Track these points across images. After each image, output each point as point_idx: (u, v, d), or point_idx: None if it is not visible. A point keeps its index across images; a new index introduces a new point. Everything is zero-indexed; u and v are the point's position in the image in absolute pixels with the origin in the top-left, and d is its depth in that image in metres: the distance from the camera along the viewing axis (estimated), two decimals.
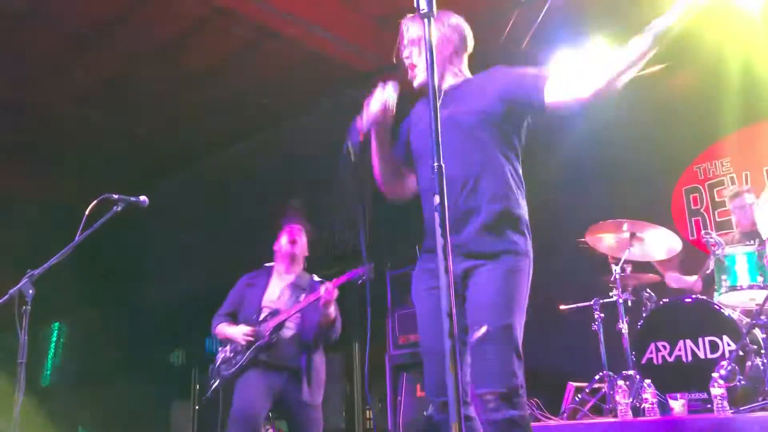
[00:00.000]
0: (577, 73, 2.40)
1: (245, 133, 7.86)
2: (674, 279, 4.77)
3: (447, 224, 1.98)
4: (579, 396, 4.44)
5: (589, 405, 4.38)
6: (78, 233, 3.07)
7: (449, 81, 2.62)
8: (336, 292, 3.88)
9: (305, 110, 7.24)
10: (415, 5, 2.05)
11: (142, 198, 3.38)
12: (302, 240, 4.32)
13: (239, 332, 4.00)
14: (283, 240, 4.29)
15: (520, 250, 2.36)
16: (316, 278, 4.18)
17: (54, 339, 9.63)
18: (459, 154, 2.38)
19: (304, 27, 5.96)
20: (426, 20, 2.05)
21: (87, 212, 3.11)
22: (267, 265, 4.35)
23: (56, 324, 9.71)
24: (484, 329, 2.22)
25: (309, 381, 3.91)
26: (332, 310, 3.93)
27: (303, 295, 4.02)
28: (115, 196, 3.29)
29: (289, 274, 4.24)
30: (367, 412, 7.78)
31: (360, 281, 3.79)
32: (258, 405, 3.81)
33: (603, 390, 4.41)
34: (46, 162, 8.23)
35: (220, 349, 4.17)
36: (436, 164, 2.02)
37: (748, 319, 3.96)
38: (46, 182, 8.63)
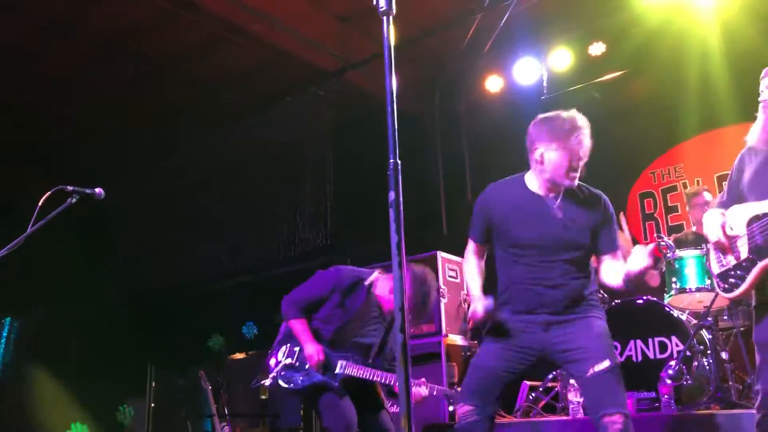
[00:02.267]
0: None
1: (207, 128, 7.78)
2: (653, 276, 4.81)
3: (401, 222, 2.01)
4: (533, 394, 4.52)
5: (542, 403, 4.46)
6: (30, 225, 3.01)
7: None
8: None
9: (268, 107, 7.21)
10: (375, 3, 2.07)
11: (98, 190, 3.31)
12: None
13: (314, 351, 3.54)
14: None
15: None
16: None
17: (5, 334, 9.40)
18: None
19: (269, 24, 5.94)
20: (385, 18, 2.07)
21: (39, 204, 3.05)
22: (365, 281, 3.74)
23: (8, 319, 9.48)
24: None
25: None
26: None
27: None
28: (70, 188, 3.22)
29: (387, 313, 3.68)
30: None
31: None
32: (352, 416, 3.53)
33: (556, 389, 4.49)
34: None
35: (284, 343, 3.71)
36: (392, 161, 2.05)
37: (696, 321, 4.08)
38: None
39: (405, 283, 1.95)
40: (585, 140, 2.78)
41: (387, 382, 3.56)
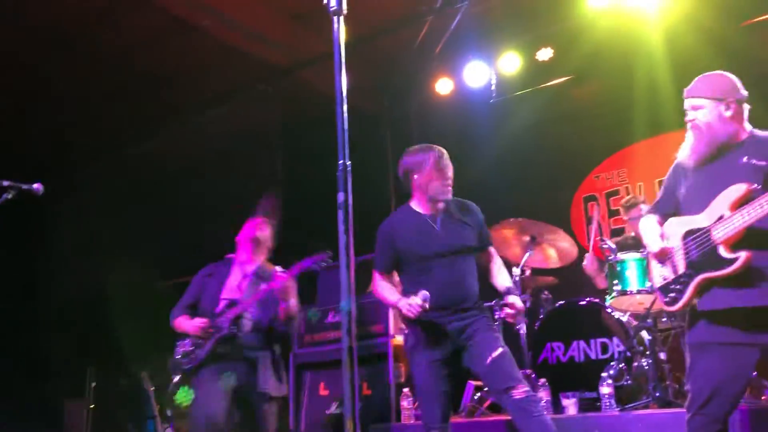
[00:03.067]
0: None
1: (152, 125, 7.62)
2: (591, 262, 4.90)
3: (350, 223, 2.00)
4: (478, 394, 4.56)
5: (487, 403, 4.51)
6: None
7: None
8: (292, 282, 3.73)
9: (215, 104, 7.09)
10: (325, 2, 2.06)
11: (36, 186, 3.21)
12: (266, 230, 4.15)
13: (197, 325, 3.82)
14: (246, 229, 4.14)
15: None
16: (279, 269, 3.97)
17: None
18: None
19: (218, 19, 5.84)
20: (335, 18, 2.06)
21: None
22: (229, 256, 4.17)
23: None
24: None
25: (277, 372, 3.81)
26: (291, 301, 3.78)
27: (263, 285, 3.85)
28: (6, 183, 3.11)
29: (250, 264, 4.04)
30: None
31: (320, 267, 3.70)
32: (218, 408, 3.65)
33: None
34: None
35: (178, 342, 3.97)
36: (342, 162, 2.04)
37: (636, 322, 4.19)
38: None
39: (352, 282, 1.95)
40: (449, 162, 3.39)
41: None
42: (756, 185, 2.43)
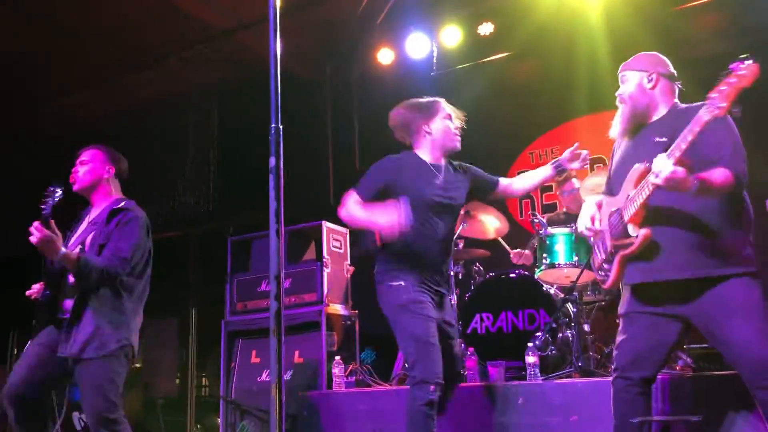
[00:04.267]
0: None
1: (87, 82, 7.31)
2: (517, 255, 5.03)
3: (281, 189, 1.98)
4: (407, 363, 4.62)
5: None
6: None
7: None
8: (42, 229, 3.01)
9: (151, 62, 6.85)
10: None
11: None
12: (87, 166, 3.47)
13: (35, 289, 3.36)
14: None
15: None
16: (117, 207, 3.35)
17: None
18: None
19: None
20: None
21: None
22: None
23: None
24: None
25: (70, 331, 3.14)
26: (53, 249, 3.03)
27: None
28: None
29: (96, 208, 3.45)
30: (202, 379, 7.67)
31: (51, 206, 3.12)
32: (24, 377, 3.12)
33: None
34: None
35: None
36: (274, 126, 2.01)
37: (563, 295, 4.32)
38: None
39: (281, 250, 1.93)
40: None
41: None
42: (647, 164, 2.46)
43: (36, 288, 3.35)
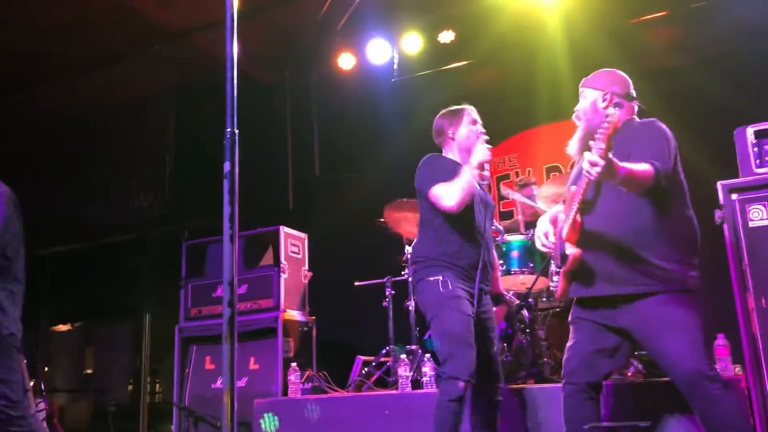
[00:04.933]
0: None
1: (39, 82, 7.13)
2: None
3: (236, 193, 1.96)
4: (366, 369, 4.62)
5: (374, 377, 4.57)
6: None
7: None
8: None
9: (107, 63, 6.71)
10: None
11: None
12: None
13: None
14: None
15: None
16: None
17: None
18: None
19: None
20: None
21: None
22: None
23: None
24: None
25: None
26: None
27: None
28: None
29: None
30: (156, 385, 7.52)
31: None
32: None
33: (388, 363, 4.62)
34: None
35: None
36: (229, 130, 1.99)
37: (518, 301, 4.36)
38: None
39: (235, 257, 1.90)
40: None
41: None
42: (573, 186, 2.61)
43: None
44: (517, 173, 6.01)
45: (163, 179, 6.88)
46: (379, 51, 6.33)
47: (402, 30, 6.26)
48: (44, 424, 5.25)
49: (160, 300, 7.06)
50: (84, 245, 7.60)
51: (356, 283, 5.06)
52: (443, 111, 3.52)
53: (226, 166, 1.95)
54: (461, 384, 2.91)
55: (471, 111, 3.45)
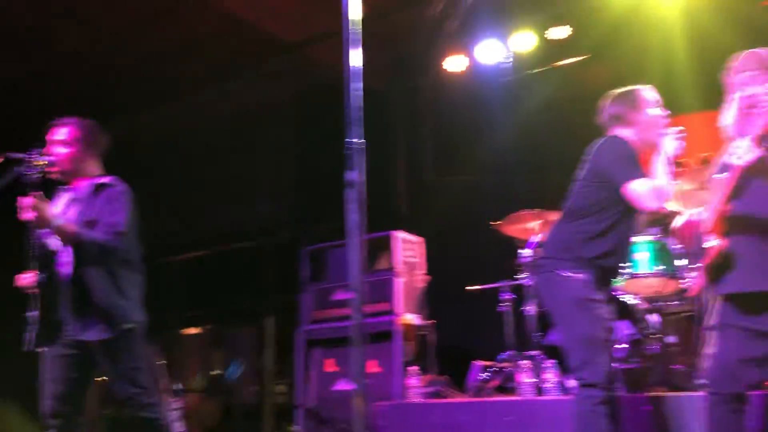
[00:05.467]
0: None
1: (162, 99, 7.58)
2: None
3: (363, 201, 1.99)
4: (484, 374, 4.56)
5: (493, 383, 4.51)
6: None
7: None
8: (33, 199, 2.90)
9: (227, 78, 7.04)
10: None
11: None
12: (66, 147, 3.22)
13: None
14: None
15: None
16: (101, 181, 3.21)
17: None
18: None
19: None
20: None
21: None
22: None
23: None
24: None
25: (77, 314, 3.02)
26: (48, 218, 2.94)
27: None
28: (19, 155, 3.10)
29: (76, 187, 3.26)
30: (279, 387, 7.78)
31: (37, 168, 2.98)
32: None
33: (507, 369, 4.55)
34: None
35: None
36: (353, 140, 2.02)
37: (646, 305, 4.17)
38: None
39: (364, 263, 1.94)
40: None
41: None
42: (719, 174, 2.44)
43: (28, 275, 3.08)
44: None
45: (283, 188, 7.12)
46: (490, 51, 6.26)
47: (514, 28, 6.16)
48: (179, 422, 5.55)
49: (282, 304, 7.30)
50: (210, 252, 7.99)
51: (471, 288, 5.01)
52: (618, 93, 3.22)
53: (351, 175, 1.98)
54: (600, 392, 2.78)
55: (652, 92, 3.19)
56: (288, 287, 6.16)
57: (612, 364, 2.83)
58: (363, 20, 2.15)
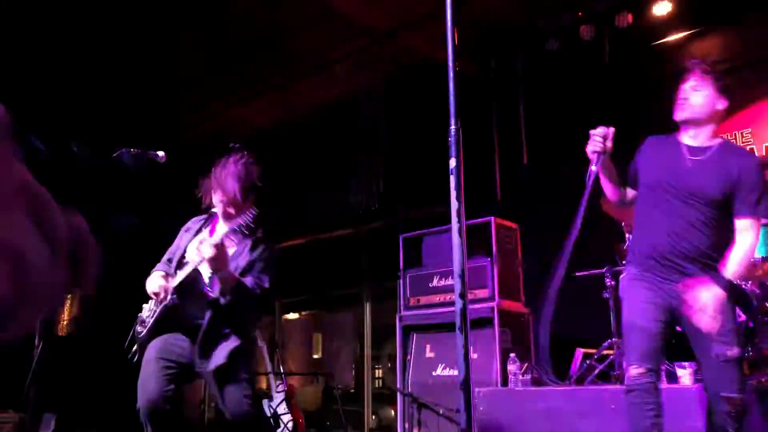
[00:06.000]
0: None
1: (256, 89, 7.79)
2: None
3: (462, 189, 2.00)
4: (587, 362, 4.48)
5: (596, 371, 4.43)
6: None
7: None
8: (221, 248, 3.02)
9: (319, 66, 7.15)
10: None
11: (161, 153, 3.38)
12: (229, 181, 3.30)
13: (151, 285, 3.25)
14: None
15: None
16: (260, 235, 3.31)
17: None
18: None
19: None
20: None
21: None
22: (214, 210, 3.48)
23: None
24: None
25: (203, 344, 3.11)
26: (221, 271, 3.06)
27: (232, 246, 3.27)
28: (134, 150, 3.28)
29: (227, 220, 3.29)
30: (377, 371, 7.93)
31: (239, 229, 3.05)
32: (159, 392, 3.08)
33: (611, 357, 4.45)
34: None
35: (144, 305, 3.46)
36: (453, 127, 2.04)
37: (760, 292, 3.97)
38: None
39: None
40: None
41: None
42: None
43: (164, 289, 3.20)
44: (753, 150, 5.44)
45: (377, 175, 7.20)
46: (586, 32, 6.08)
47: (611, 7, 5.95)
48: (284, 403, 5.78)
49: (380, 290, 7.42)
50: (309, 239, 8.21)
51: (576, 274, 4.92)
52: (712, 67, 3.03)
53: (452, 162, 2.00)
54: (631, 373, 2.77)
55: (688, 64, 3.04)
56: (385, 274, 6.25)
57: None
58: (455, 3, 2.14)
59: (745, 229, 2.83)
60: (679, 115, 2.99)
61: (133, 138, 3.69)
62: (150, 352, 3.16)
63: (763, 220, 3.97)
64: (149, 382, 3.06)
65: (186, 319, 3.17)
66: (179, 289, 3.17)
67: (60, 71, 7.02)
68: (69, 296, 9.64)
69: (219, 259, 2.99)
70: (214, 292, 3.14)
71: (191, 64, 7.27)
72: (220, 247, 2.99)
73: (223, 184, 3.25)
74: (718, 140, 2.99)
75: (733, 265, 2.76)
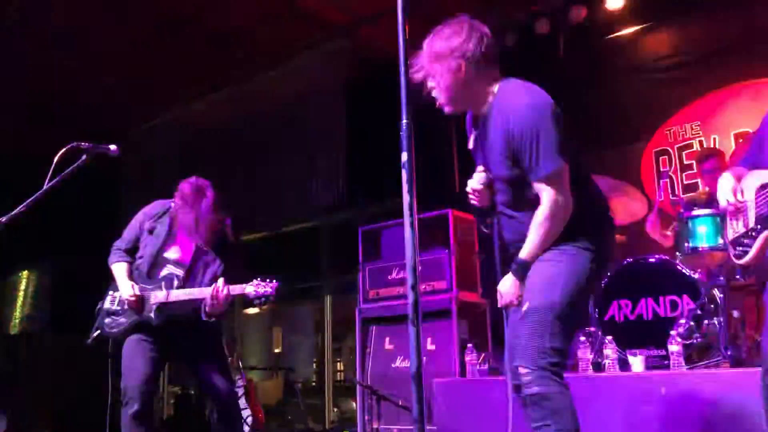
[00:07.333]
0: None
1: (213, 84, 7.72)
2: (652, 225, 4.74)
3: (414, 182, 2.01)
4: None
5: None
6: (46, 182, 3.03)
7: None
8: (225, 296, 3.32)
9: (277, 61, 7.12)
10: None
11: (112, 147, 3.32)
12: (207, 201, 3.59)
13: (127, 291, 3.43)
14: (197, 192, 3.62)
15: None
16: (220, 282, 3.39)
17: (23, 287, 9.55)
18: None
19: None
20: None
21: (55, 160, 3.06)
22: (166, 203, 3.69)
23: (24, 272, 9.61)
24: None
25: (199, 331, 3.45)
26: (221, 307, 3.35)
27: (206, 276, 3.51)
28: (84, 145, 3.22)
29: (193, 235, 3.53)
30: (338, 364, 7.94)
31: (259, 302, 3.43)
32: (149, 375, 3.37)
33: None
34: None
35: (110, 291, 3.59)
36: (405, 122, 2.04)
37: (708, 280, 4.09)
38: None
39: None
40: None
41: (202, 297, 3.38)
42: None
43: (132, 295, 3.44)
44: (701, 142, 5.58)
45: (337, 170, 7.18)
46: (545, 25, 6.15)
47: (567, 1, 6.03)
48: (243, 398, 5.74)
49: (339, 283, 7.42)
50: (268, 233, 8.15)
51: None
52: None
53: (404, 156, 2.01)
54: None
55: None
56: (344, 267, 6.25)
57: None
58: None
59: None
60: None
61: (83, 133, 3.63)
62: (135, 345, 3.41)
63: (713, 211, 4.10)
64: (135, 360, 3.34)
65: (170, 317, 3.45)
66: (162, 306, 3.41)
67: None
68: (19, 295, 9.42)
69: (221, 308, 3.35)
70: (203, 316, 3.39)
71: (146, 58, 7.16)
72: (226, 300, 3.32)
73: (195, 223, 3.50)
74: None
75: None
